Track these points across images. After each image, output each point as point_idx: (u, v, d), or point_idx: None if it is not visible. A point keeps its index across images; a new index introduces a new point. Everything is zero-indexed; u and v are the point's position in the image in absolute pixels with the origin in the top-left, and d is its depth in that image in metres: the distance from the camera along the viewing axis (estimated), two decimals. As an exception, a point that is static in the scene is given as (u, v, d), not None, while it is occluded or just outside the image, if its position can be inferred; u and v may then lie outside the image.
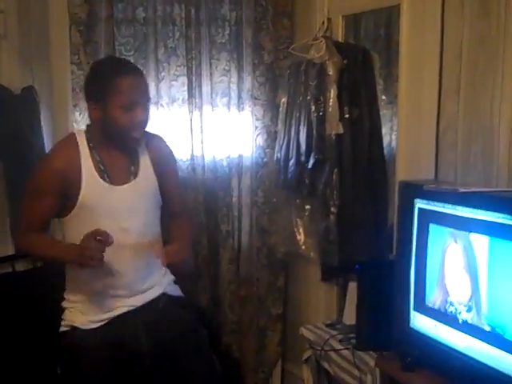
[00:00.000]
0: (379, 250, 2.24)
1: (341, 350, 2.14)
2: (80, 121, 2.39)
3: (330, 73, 2.23)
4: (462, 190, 1.66)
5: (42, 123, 2.38)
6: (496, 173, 1.83)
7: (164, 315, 1.93)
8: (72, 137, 1.91)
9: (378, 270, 2.09)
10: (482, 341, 1.60)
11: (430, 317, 1.78)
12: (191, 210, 2.53)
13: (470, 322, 1.64)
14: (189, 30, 2.57)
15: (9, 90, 2.36)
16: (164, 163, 2.02)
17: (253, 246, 2.78)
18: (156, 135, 2.07)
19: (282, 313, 2.85)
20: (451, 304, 1.70)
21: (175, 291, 2.04)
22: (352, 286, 2.24)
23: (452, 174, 1.98)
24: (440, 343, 1.75)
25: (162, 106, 2.58)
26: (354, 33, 2.50)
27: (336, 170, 2.26)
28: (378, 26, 2.44)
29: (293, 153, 2.42)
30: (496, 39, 1.80)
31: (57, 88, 2.41)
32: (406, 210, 1.85)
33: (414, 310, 1.84)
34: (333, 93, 2.22)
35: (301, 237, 2.45)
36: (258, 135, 2.74)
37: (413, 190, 1.84)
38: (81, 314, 1.90)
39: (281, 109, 2.56)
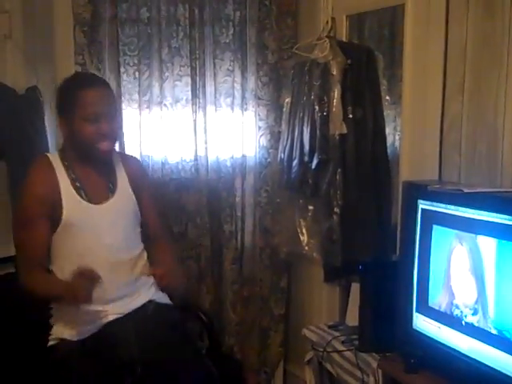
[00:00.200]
0: (382, 250, 2.23)
1: (343, 351, 2.13)
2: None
3: (334, 73, 2.22)
4: (467, 190, 1.65)
5: (46, 123, 2.39)
6: (501, 173, 1.81)
7: (153, 322, 1.92)
8: (44, 159, 1.91)
9: (381, 270, 2.08)
10: (488, 344, 1.58)
11: (434, 318, 1.77)
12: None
13: (475, 324, 1.62)
14: (193, 30, 2.58)
15: (13, 90, 2.37)
16: (139, 181, 2.03)
17: (256, 246, 2.78)
18: (132, 156, 2.19)
19: (284, 313, 2.85)
20: (456, 306, 1.69)
21: (163, 298, 2.02)
22: (355, 288, 2.23)
23: (456, 174, 1.96)
24: (443, 345, 1.73)
25: (165, 106, 2.58)
26: (358, 33, 2.49)
27: (339, 171, 2.25)
28: (382, 25, 2.43)
29: (296, 153, 2.41)
30: (500, 39, 1.79)
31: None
32: (410, 210, 1.84)
33: (417, 311, 1.83)
34: (337, 93, 2.21)
35: (304, 237, 2.44)
36: (261, 135, 2.73)
37: (416, 191, 1.83)
38: (69, 326, 1.88)
39: (284, 109, 2.55)
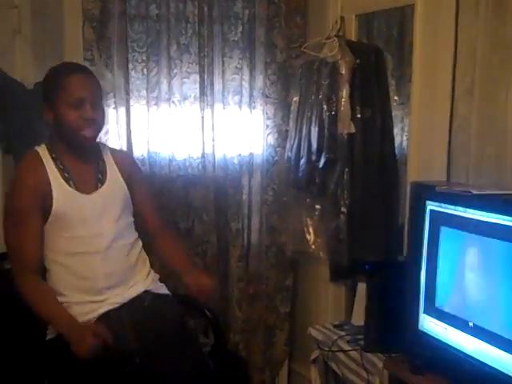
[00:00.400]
0: (389, 250, 2.23)
1: (349, 350, 2.13)
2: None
3: (343, 72, 2.22)
4: (476, 192, 1.64)
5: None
6: (510, 174, 1.80)
7: (150, 313, 1.92)
8: (33, 152, 1.91)
9: (388, 271, 2.08)
10: (495, 346, 1.57)
11: (440, 320, 1.77)
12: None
13: (483, 326, 1.62)
14: (201, 28, 2.58)
15: (22, 85, 2.38)
16: (131, 172, 2.03)
17: (262, 244, 2.78)
18: (123, 150, 2.23)
19: (290, 312, 2.85)
20: (463, 308, 1.69)
21: (160, 289, 2.03)
22: (361, 287, 2.23)
23: (464, 175, 1.96)
24: (450, 346, 1.73)
25: (173, 103, 2.58)
26: (366, 32, 2.48)
27: (347, 170, 2.24)
28: (391, 25, 2.42)
29: (304, 152, 2.41)
30: (511, 39, 1.78)
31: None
32: (418, 211, 1.84)
33: (424, 312, 1.83)
34: (345, 92, 2.21)
35: (310, 236, 2.44)
36: (269, 134, 2.73)
37: (424, 191, 1.83)
38: None
39: (292, 108, 2.55)
